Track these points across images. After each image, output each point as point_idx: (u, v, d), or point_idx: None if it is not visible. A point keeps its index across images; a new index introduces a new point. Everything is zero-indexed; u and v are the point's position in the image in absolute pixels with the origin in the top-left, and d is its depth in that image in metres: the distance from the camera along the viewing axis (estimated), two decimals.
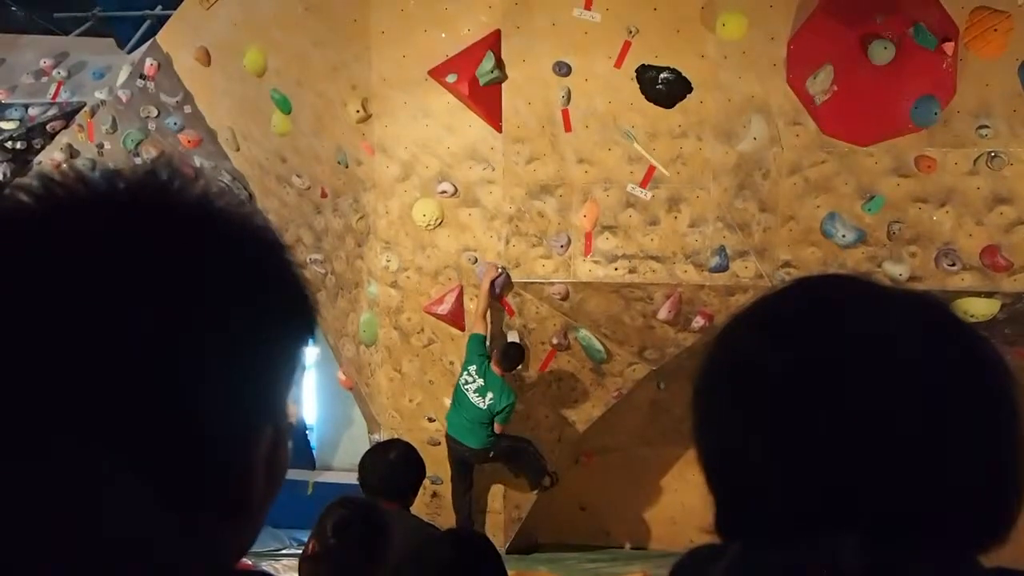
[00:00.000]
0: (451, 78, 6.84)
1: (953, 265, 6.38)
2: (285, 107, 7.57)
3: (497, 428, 7.13)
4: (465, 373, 7.04)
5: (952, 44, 5.99)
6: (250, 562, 0.87)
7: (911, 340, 0.88)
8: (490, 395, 6.96)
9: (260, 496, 0.76)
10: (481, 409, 7.01)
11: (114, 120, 8.58)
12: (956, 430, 0.85)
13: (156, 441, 0.68)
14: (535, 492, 7.70)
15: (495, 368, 6.98)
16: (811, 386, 0.87)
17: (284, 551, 7.74)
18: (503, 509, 7.79)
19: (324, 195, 7.74)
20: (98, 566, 0.63)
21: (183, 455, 0.69)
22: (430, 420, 7.61)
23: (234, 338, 0.71)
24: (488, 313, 7.12)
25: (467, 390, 7.02)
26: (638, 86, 6.54)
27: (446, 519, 6.89)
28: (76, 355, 0.66)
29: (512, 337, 7.26)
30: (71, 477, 0.65)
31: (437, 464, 7.15)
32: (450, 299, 7.30)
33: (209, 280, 0.70)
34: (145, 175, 0.73)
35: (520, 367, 7.21)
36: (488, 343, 7.10)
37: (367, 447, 4.86)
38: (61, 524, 0.63)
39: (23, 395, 0.66)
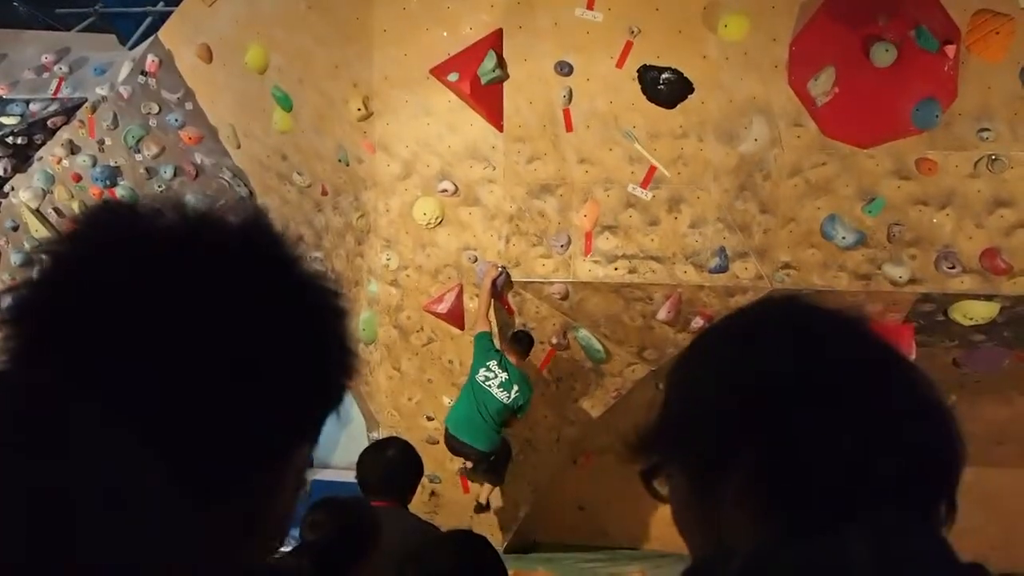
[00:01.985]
0: (453, 77, 6.84)
1: (953, 268, 6.37)
2: (286, 104, 7.57)
3: (511, 423, 7.11)
4: (484, 370, 6.95)
5: (954, 47, 5.98)
6: None
7: (849, 355, 0.97)
8: (515, 388, 6.92)
9: (286, 507, 0.85)
10: (505, 404, 6.94)
11: (115, 116, 8.58)
12: (898, 415, 0.94)
13: (197, 446, 0.76)
14: (479, 501, 7.58)
15: (513, 359, 6.96)
16: (778, 394, 0.95)
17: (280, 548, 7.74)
18: (501, 509, 7.79)
19: (325, 193, 7.74)
20: (123, 558, 0.66)
21: (221, 460, 0.77)
22: (429, 419, 7.61)
23: (287, 376, 0.81)
24: (491, 312, 7.12)
25: (489, 387, 6.93)
26: (639, 86, 6.53)
27: (444, 518, 6.88)
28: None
29: None
30: (113, 473, 0.68)
31: (435, 463, 7.15)
32: (450, 298, 7.30)
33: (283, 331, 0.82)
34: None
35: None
36: (495, 341, 7.10)
37: (366, 445, 4.86)
38: (95, 515, 0.65)
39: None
